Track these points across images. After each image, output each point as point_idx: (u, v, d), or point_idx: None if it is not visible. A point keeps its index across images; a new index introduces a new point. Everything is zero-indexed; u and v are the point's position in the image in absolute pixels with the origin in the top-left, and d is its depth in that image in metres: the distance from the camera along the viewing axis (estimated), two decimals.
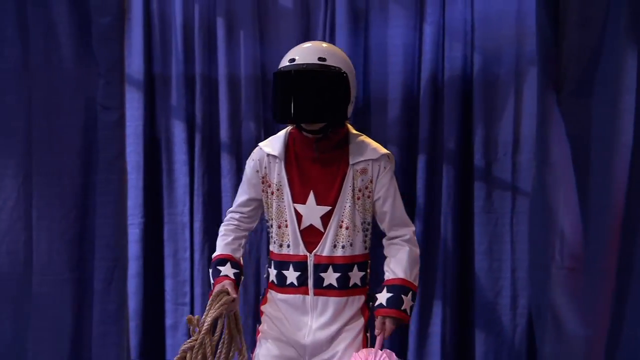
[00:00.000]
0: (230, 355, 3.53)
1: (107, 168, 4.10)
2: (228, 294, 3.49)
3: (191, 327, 3.41)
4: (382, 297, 3.51)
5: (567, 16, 3.75)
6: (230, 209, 3.74)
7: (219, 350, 3.52)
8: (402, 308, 3.51)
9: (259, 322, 3.68)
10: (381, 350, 3.45)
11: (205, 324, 3.39)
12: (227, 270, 3.59)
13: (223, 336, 3.52)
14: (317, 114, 3.46)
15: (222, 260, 3.63)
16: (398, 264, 3.56)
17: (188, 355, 3.38)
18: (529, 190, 4.39)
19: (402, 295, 3.50)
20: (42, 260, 4.20)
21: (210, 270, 3.66)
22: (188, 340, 3.40)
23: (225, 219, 3.74)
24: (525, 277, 4.48)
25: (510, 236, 4.59)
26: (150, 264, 4.90)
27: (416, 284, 3.57)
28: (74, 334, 4.22)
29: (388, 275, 3.56)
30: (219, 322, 3.45)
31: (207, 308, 3.45)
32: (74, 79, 4.16)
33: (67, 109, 4.18)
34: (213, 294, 3.51)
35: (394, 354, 3.46)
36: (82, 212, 4.20)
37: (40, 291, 4.19)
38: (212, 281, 3.62)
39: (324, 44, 3.61)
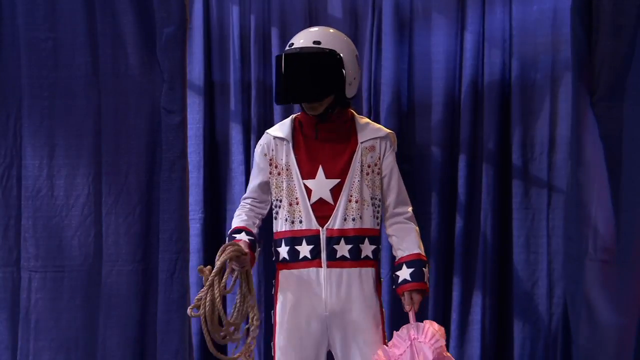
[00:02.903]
0: (243, 313, 3.54)
1: (170, 167, 4.20)
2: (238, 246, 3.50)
3: (203, 277, 3.41)
4: (404, 273, 3.59)
5: (600, 25, 3.86)
6: (244, 196, 3.80)
7: (233, 310, 3.53)
8: (425, 280, 3.58)
9: (273, 309, 3.69)
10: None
11: (215, 267, 3.37)
12: (241, 236, 3.61)
13: (236, 297, 3.51)
14: (309, 93, 3.54)
15: (238, 230, 3.66)
16: (410, 240, 3.64)
17: (202, 304, 3.37)
18: (564, 188, 4.47)
19: (423, 269, 3.58)
20: (110, 252, 4.31)
21: (226, 240, 3.67)
22: (201, 290, 3.39)
23: (240, 205, 3.79)
24: (560, 269, 4.49)
25: (546, 231, 4.59)
26: (211, 256, 4.63)
27: (426, 257, 3.65)
28: (140, 320, 4.32)
29: (402, 253, 3.63)
30: (227, 268, 3.42)
31: (217, 255, 3.43)
32: (139, 84, 4.28)
33: (133, 112, 4.30)
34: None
35: (434, 322, 3.53)
36: (147, 208, 4.31)
37: (108, 281, 4.31)
38: None
39: (323, 29, 3.68)
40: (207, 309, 3.36)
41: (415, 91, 4.80)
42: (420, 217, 4.75)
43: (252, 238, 3.65)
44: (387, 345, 3.55)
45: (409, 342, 3.46)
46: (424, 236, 4.58)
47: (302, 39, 3.60)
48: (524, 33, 4.67)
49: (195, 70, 4.87)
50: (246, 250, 3.53)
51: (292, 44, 3.60)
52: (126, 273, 4.35)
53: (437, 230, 4.77)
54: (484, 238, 4.68)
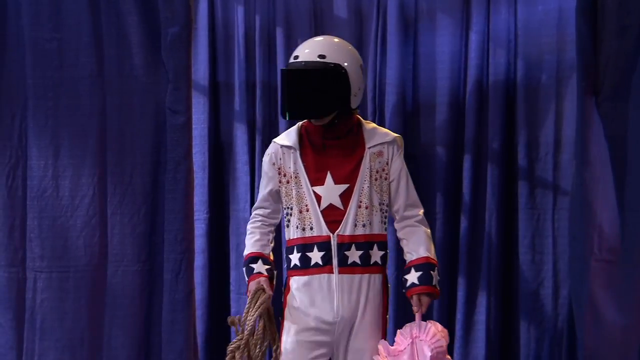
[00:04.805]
0: (265, 344, 3.57)
1: (175, 167, 4.23)
2: (264, 291, 3.55)
3: (234, 328, 3.50)
4: (412, 276, 3.60)
5: (605, 25, 3.87)
6: (254, 206, 3.81)
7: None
8: (433, 283, 3.59)
9: (281, 315, 3.69)
10: None
11: (248, 325, 3.45)
12: (259, 267, 3.64)
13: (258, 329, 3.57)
14: (314, 110, 3.56)
15: (254, 258, 3.68)
16: (419, 244, 3.64)
17: (237, 354, 3.45)
18: (569, 188, 4.42)
19: (431, 272, 3.59)
20: (116, 252, 4.35)
21: (244, 269, 3.70)
22: (234, 340, 3.47)
23: (251, 217, 3.79)
24: (566, 269, 4.47)
25: (552, 231, 4.58)
26: (216, 256, 4.89)
27: (436, 260, 3.66)
28: (145, 320, 4.36)
29: (411, 256, 3.64)
30: (259, 325, 3.51)
31: (246, 307, 3.49)
32: (144, 84, 4.31)
33: (138, 113, 4.32)
34: (251, 292, 3.56)
35: (437, 323, 3.58)
36: (152, 208, 4.34)
37: (114, 281, 4.35)
38: (246, 279, 3.67)
39: (328, 40, 3.65)
40: None
41: (420, 91, 4.80)
42: (425, 217, 4.77)
43: (270, 266, 3.68)
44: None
45: (411, 340, 3.50)
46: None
47: (307, 50, 3.58)
48: (529, 33, 4.67)
49: (200, 70, 4.86)
50: (270, 291, 3.58)
51: (297, 56, 3.58)
52: (131, 273, 4.38)
53: (442, 230, 4.77)
54: (488, 238, 4.68)
